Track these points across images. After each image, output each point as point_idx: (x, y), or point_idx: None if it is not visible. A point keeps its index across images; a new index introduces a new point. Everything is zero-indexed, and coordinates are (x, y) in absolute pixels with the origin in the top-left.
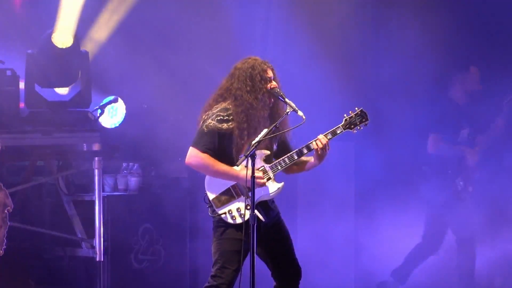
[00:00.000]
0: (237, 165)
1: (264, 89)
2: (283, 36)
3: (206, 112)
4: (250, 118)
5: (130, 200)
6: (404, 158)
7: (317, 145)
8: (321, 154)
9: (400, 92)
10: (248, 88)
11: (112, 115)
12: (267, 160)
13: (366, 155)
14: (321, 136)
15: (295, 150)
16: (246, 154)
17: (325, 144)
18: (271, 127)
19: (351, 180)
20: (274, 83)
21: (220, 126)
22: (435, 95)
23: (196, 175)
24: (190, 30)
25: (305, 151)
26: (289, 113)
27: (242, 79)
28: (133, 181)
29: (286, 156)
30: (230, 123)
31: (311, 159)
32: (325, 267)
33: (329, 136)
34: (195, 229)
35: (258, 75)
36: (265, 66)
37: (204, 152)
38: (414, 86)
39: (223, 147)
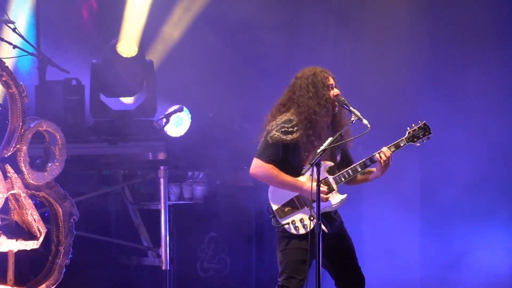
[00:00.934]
0: (302, 174)
1: (327, 96)
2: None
3: (270, 122)
4: (314, 124)
5: (195, 209)
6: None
7: (380, 157)
8: (384, 166)
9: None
10: (310, 94)
11: (178, 124)
12: (330, 171)
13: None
14: (385, 149)
15: (358, 162)
16: (311, 163)
17: (389, 156)
18: (336, 136)
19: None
20: (337, 90)
21: (284, 137)
22: None
23: (262, 184)
24: (258, 38)
25: (368, 163)
26: (353, 121)
27: (303, 86)
28: (199, 190)
29: (350, 168)
30: (294, 134)
31: (373, 170)
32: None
33: (393, 149)
34: (260, 238)
35: (321, 82)
36: (326, 74)
37: (268, 163)
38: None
39: (286, 158)
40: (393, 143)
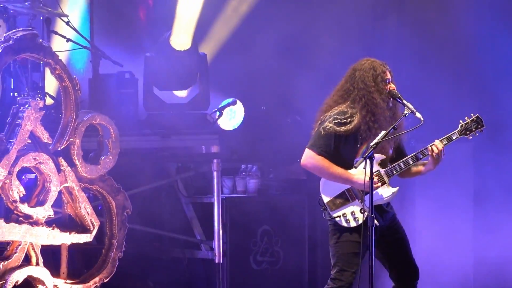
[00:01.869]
0: (355, 167)
1: (386, 90)
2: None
3: (324, 113)
4: (377, 117)
5: (248, 202)
6: None
7: (432, 150)
8: (436, 159)
9: None
10: (372, 89)
11: (231, 117)
12: (382, 164)
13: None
14: (437, 142)
15: (410, 155)
16: (364, 156)
17: (441, 149)
18: (389, 129)
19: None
20: (392, 85)
21: (338, 129)
22: None
23: (315, 177)
24: (309, 33)
25: (420, 156)
26: (407, 115)
27: (364, 80)
28: (252, 183)
29: (401, 161)
30: (348, 125)
31: (426, 163)
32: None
33: (445, 142)
34: (313, 231)
35: (380, 76)
36: (385, 68)
37: (320, 154)
38: None
39: (338, 150)
40: (445, 136)
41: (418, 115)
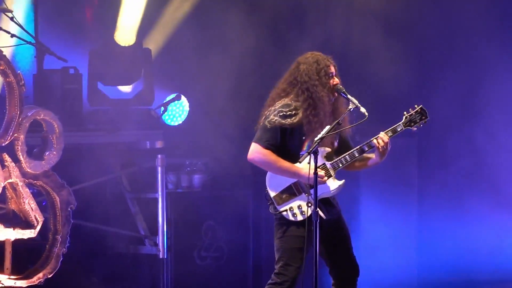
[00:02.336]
0: (300, 162)
1: (329, 85)
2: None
3: (268, 107)
4: (318, 111)
5: (193, 197)
6: None
7: (378, 143)
8: (382, 152)
9: None
10: (316, 82)
11: (175, 113)
12: (328, 157)
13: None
14: (382, 134)
15: (356, 148)
16: (309, 151)
17: (387, 142)
18: (334, 124)
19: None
20: (336, 80)
21: (283, 121)
22: None
23: (260, 172)
24: (254, 27)
25: (366, 148)
26: (351, 109)
27: (308, 73)
28: (197, 178)
29: (347, 154)
30: (293, 118)
31: (373, 156)
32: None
33: (390, 134)
34: (258, 226)
35: (323, 70)
36: (328, 62)
37: (266, 148)
38: None
39: (285, 143)
40: (390, 128)
41: (362, 110)
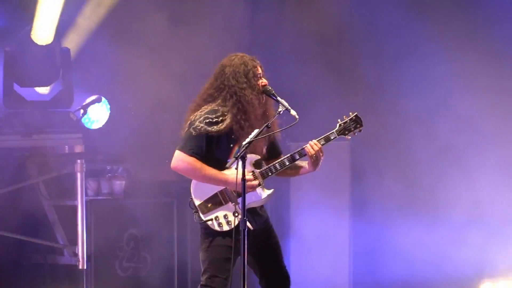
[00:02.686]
0: (227, 168)
1: (258, 87)
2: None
3: (193, 113)
4: (249, 116)
5: (114, 205)
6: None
7: (309, 151)
8: (315, 160)
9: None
10: (244, 85)
11: (95, 116)
12: (256, 165)
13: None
14: (313, 142)
15: (286, 156)
16: (236, 156)
17: (318, 150)
18: (262, 127)
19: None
20: (264, 81)
21: (209, 129)
22: None
23: (185, 179)
24: (177, 25)
25: (297, 157)
26: (281, 112)
27: (235, 76)
28: (118, 185)
29: (277, 161)
30: (220, 125)
31: (305, 164)
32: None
33: (322, 142)
34: (183, 236)
35: (251, 72)
36: (255, 63)
37: (191, 155)
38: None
39: (211, 151)
40: (323, 136)
41: (293, 112)
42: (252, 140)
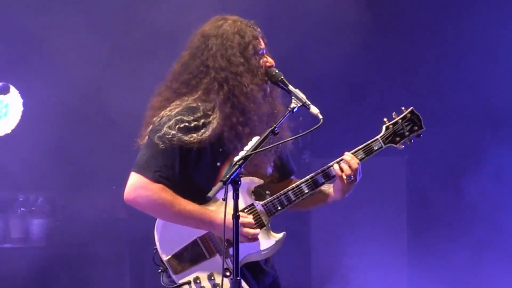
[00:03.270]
0: (208, 197)
1: (261, 69)
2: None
3: (158, 112)
4: (249, 116)
5: (31, 256)
6: None
7: (341, 170)
8: (348, 184)
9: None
10: (241, 68)
11: (0, 115)
12: (258, 194)
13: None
14: (348, 156)
15: (306, 179)
16: (223, 179)
17: (356, 169)
18: (266, 133)
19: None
20: (270, 60)
21: (185, 138)
22: None
23: (142, 216)
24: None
25: (321, 180)
26: (295, 110)
27: (226, 53)
28: (36, 224)
29: (290, 189)
30: (201, 131)
31: (329, 190)
32: None
33: (361, 156)
34: None
35: (251, 46)
36: (256, 32)
37: (157, 181)
38: None
39: (187, 172)
40: (361, 146)
41: (314, 110)
42: (251, 155)
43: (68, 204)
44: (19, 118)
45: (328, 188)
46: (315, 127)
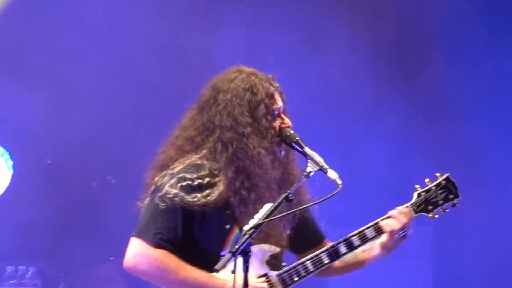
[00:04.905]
0: (217, 270)
1: (274, 131)
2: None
3: (160, 171)
4: (255, 182)
5: None
6: None
7: (390, 226)
8: (398, 240)
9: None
10: (249, 130)
11: None
12: (273, 263)
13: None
14: (404, 209)
15: (327, 248)
16: (233, 251)
17: (409, 221)
18: (279, 200)
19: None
20: (286, 120)
21: (188, 198)
22: None
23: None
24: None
25: (343, 250)
26: (311, 174)
27: (234, 111)
28: None
29: (309, 258)
30: (207, 192)
31: (370, 248)
32: None
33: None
34: None
35: (263, 105)
36: (272, 88)
37: (158, 245)
38: None
39: (192, 236)
40: (385, 216)
41: (332, 174)
42: (262, 223)
43: (62, 276)
44: (7, 182)
45: (369, 248)
46: (334, 193)
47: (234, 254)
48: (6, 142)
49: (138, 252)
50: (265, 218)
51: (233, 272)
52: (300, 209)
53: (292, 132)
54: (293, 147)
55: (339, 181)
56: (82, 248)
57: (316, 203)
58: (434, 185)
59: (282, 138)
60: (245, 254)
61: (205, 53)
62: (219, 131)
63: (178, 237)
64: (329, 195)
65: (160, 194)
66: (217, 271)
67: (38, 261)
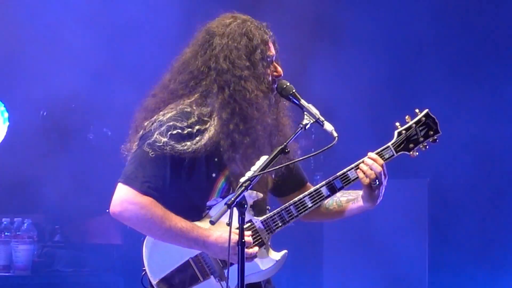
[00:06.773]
0: (213, 222)
1: (268, 77)
2: None
3: (149, 116)
4: (252, 126)
5: (16, 285)
6: None
7: (363, 171)
8: (376, 188)
9: None
10: (246, 72)
11: None
12: (257, 209)
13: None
14: (373, 155)
15: (310, 192)
16: (229, 203)
17: (380, 172)
18: (275, 153)
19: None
20: (279, 69)
21: (178, 146)
22: None
23: (139, 242)
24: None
25: (327, 193)
26: (307, 126)
27: (231, 55)
28: (22, 252)
29: (292, 203)
30: (196, 139)
31: (354, 197)
32: None
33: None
34: None
35: (259, 50)
36: (266, 36)
37: (145, 193)
38: None
39: (179, 185)
40: (375, 152)
41: (328, 127)
42: (256, 176)
43: (58, 228)
44: (3, 134)
45: (354, 198)
46: (329, 145)
47: (229, 207)
48: (2, 94)
49: (125, 198)
50: (261, 170)
51: (228, 224)
52: (296, 161)
53: (288, 84)
54: (289, 99)
55: (335, 134)
56: (78, 200)
57: (313, 155)
58: (414, 122)
59: (278, 89)
60: (241, 206)
61: None
62: (215, 74)
63: (166, 186)
64: (325, 147)
65: (149, 141)
66: (213, 223)
67: (34, 213)
